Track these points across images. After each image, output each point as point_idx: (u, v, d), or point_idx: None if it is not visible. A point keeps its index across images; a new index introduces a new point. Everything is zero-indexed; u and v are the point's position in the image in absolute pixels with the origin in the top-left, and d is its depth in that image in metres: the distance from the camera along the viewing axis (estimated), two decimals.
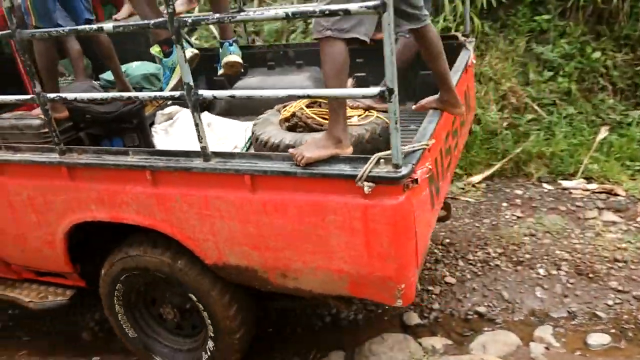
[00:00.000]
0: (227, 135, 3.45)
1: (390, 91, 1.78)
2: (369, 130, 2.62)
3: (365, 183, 1.93)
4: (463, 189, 4.76)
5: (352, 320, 3.54)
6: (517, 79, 5.14)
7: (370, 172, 1.93)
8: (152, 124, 3.67)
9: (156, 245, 2.61)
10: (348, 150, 2.14)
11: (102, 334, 3.68)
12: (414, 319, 3.45)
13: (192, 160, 2.29)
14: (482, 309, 3.46)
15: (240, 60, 3.22)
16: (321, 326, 3.52)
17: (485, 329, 3.32)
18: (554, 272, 3.72)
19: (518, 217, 4.36)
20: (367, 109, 2.83)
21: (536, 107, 5.05)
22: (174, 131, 3.51)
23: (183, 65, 2.05)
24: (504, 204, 4.55)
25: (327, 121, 2.42)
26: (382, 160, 1.96)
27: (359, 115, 2.77)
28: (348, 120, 2.37)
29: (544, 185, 4.72)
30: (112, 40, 3.42)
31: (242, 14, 3.66)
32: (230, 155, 2.28)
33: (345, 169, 2.03)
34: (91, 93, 3.11)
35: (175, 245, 2.52)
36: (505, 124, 4.99)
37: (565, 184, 4.66)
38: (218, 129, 3.51)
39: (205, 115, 3.48)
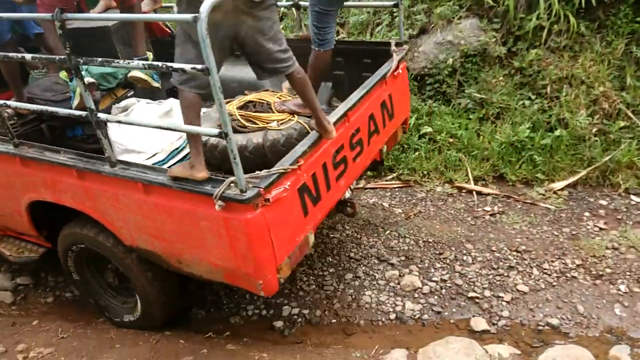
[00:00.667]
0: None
1: (225, 134, 2.24)
2: (285, 135, 3.00)
3: (218, 201, 2.39)
4: (543, 195, 4.59)
5: (417, 319, 3.57)
6: (611, 83, 4.84)
7: (223, 193, 2.37)
8: None
9: (92, 226, 3.16)
10: (199, 176, 2.52)
11: None
12: (481, 324, 3.42)
13: (103, 165, 2.81)
14: (554, 321, 3.37)
15: (143, 77, 3.57)
16: (385, 322, 3.58)
17: (557, 342, 3.23)
18: (637, 289, 3.54)
19: (601, 229, 4.16)
20: (291, 113, 3.16)
21: (630, 114, 4.74)
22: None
23: (83, 93, 2.62)
24: (586, 214, 4.35)
25: (249, 124, 3.06)
26: (232, 185, 2.40)
27: (279, 120, 3.10)
28: (269, 125, 3.04)
29: (632, 197, 4.45)
30: (81, 39, 3.69)
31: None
32: (130, 165, 2.81)
33: (207, 187, 2.48)
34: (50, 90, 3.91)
35: (104, 228, 3.07)
36: (594, 130, 4.73)
37: None
38: (178, 115, 3.63)
39: (170, 101, 3.79)
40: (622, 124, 4.72)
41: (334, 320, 3.64)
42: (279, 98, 3.32)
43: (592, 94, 4.82)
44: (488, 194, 4.72)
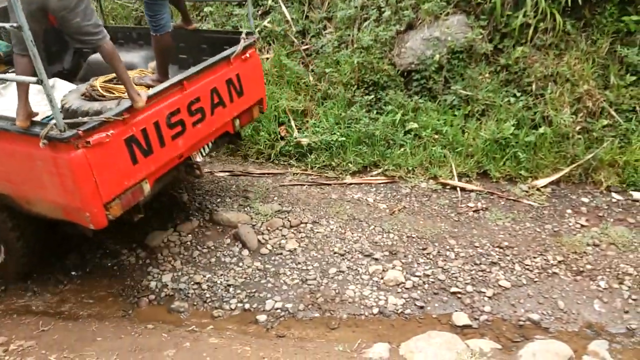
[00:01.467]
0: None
1: (41, 81, 2.71)
2: (116, 103, 3.46)
3: (43, 140, 2.85)
4: (527, 191, 4.64)
5: (400, 314, 3.58)
6: (595, 81, 4.89)
7: (47, 133, 2.85)
8: None
9: None
10: (18, 123, 3.03)
11: None
12: (463, 319, 3.45)
13: None
14: (535, 316, 3.41)
15: None
16: (368, 316, 3.59)
17: (537, 337, 3.27)
18: (616, 285, 3.59)
19: (582, 226, 4.21)
20: (147, 86, 3.73)
21: (613, 113, 4.80)
22: (7, 93, 4.36)
23: None
24: (569, 211, 4.40)
25: (109, 93, 3.63)
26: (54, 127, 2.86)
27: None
28: (123, 95, 3.51)
29: (613, 194, 4.51)
30: None
31: None
32: None
33: (36, 130, 2.95)
34: None
35: None
36: (578, 127, 4.78)
37: (637, 195, 4.43)
38: (59, 90, 4.28)
39: (53, 80, 4.28)
40: (605, 122, 4.78)
41: (317, 314, 3.64)
42: (139, 73, 4.06)
43: (576, 92, 4.86)
44: (472, 191, 4.75)
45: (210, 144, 4.26)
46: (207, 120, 3.84)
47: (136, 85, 3.59)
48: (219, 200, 4.90)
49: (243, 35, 4.17)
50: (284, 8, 6.02)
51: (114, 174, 3.13)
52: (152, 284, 3.97)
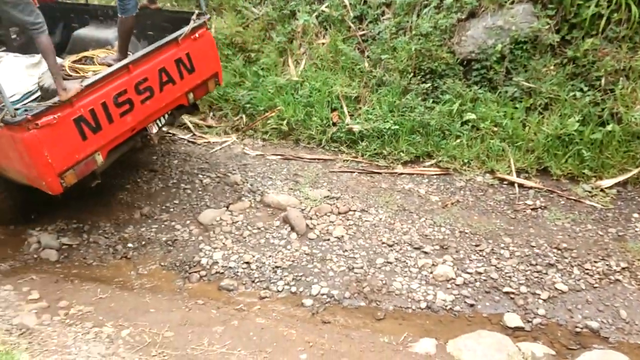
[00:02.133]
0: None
1: None
2: (79, 82, 3.78)
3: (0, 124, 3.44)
4: (589, 192, 4.41)
5: (448, 310, 3.50)
6: None
7: (3, 118, 3.39)
8: None
9: None
10: None
11: None
12: (515, 320, 3.34)
13: None
14: (594, 324, 3.25)
15: None
16: (415, 310, 3.53)
17: (595, 346, 3.12)
18: None
19: None
20: (108, 65, 4.10)
21: None
22: None
23: None
24: (635, 215, 4.15)
25: (75, 73, 4.05)
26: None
27: (94, 71, 4.04)
28: (86, 74, 4.03)
29: None
30: None
31: None
32: None
33: None
34: None
35: None
36: None
37: None
38: (9, 66, 4.33)
39: (39, 56, 4.25)
40: None
41: (362, 304, 3.62)
42: (105, 52, 4.41)
43: None
44: (531, 188, 4.56)
45: (166, 116, 4.64)
46: (157, 97, 4.23)
47: (99, 64, 4.19)
48: (270, 182, 4.92)
49: (194, 16, 4.37)
50: None
51: (65, 149, 3.66)
52: (204, 261, 4.05)
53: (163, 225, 4.48)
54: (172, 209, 4.65)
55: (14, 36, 5.26)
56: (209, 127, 6.02)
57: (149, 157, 5.47)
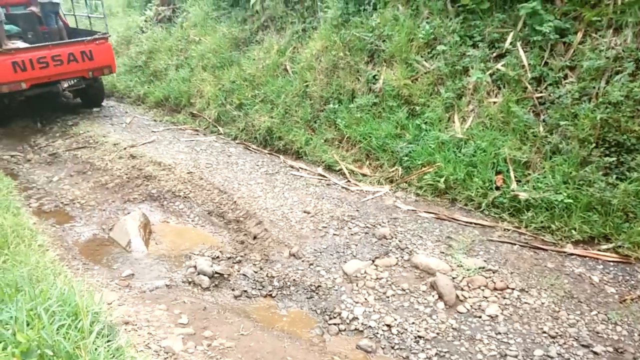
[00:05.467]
0: None
1: None
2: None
3: None
4: None
5: None
6: None
7: None
8: None
9: None
10: None
11: None
12: None
13: None
14: None
15: None
16: None
17: None
18: None
19: None
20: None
21: None
22: None
23: None
24: None
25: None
26: None
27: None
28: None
29: None
30: None
31: None
32: None
33: None
34: None
35: None
36: None
37: None
38: None
39: None
40: None
41: None
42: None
43: None
44: None
45: (73, 80, 9.05)
46: (64, 65, 8.63)
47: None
48: (420, 242, 4.72)
49: (97, 35, 8.99)
50: (521, 52, 5.60)
51: (5, 74, 8.01)
52: (344, 314, 3.96)
53: (309, 269, 4.52)
54: (319, 253, 4.68)
55: None
56: (364, 175, 6.05)
57: (304, 198, 5.63)
